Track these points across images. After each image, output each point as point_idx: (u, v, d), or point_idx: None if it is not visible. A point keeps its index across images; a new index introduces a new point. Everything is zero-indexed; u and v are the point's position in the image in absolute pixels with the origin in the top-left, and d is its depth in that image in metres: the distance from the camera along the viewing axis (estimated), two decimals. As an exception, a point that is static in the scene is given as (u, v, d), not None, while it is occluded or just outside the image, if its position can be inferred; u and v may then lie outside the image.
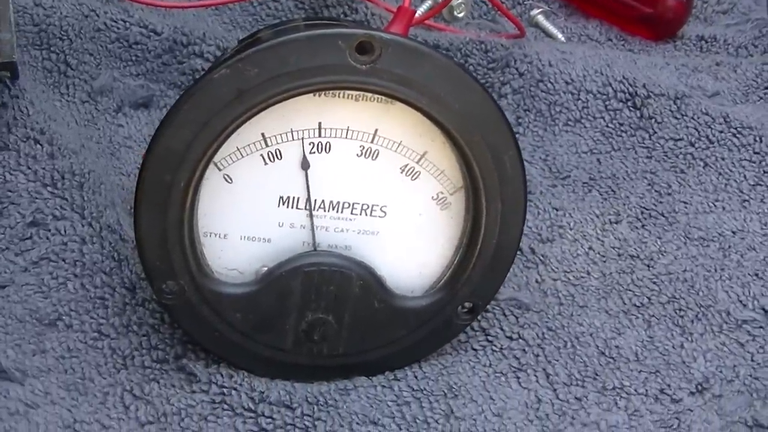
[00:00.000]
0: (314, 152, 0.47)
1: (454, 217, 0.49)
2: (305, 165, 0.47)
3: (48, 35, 0.65)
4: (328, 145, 0.47)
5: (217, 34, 0.68)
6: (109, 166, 0.60)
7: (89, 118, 0.64)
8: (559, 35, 0.78)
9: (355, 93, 0.46)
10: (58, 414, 0.45)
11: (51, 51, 0.64)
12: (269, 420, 0.46)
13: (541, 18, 0.79)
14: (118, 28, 0.66)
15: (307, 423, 0.46)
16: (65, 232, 0.53)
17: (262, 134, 0.46)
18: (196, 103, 0.44)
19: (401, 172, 0.47)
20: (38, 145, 0.56)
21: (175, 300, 0.47)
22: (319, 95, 0.46)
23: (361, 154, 0.47)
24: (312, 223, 0.48)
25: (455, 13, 0.71)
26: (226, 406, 0.47)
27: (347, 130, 0.46)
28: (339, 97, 0.46)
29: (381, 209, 0.48)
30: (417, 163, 0.47)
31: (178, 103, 0.44)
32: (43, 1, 0.65)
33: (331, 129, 0.46)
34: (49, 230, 0.53)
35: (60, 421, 0.45)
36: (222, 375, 0.48)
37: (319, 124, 0.46)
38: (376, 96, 0.46)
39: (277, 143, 0.46)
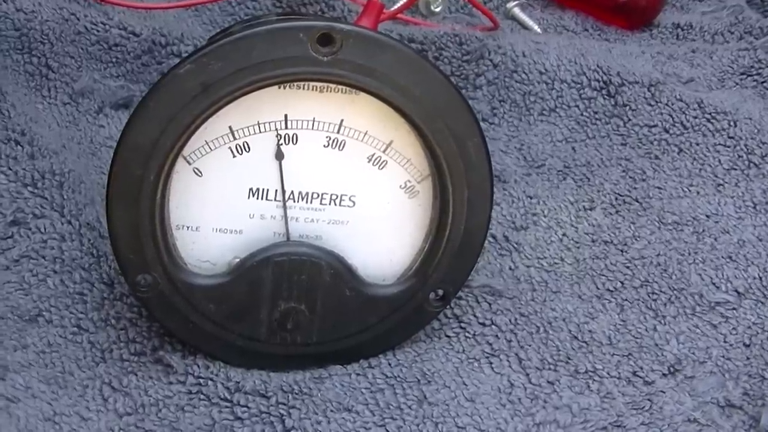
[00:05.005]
0: (282, 144, 0.47)
1: (422, 204, 0.49)
2: (279, 156, 0.48)
3: (29, 39, 0.65)
4: (295, 136, 0.47)
5: (196, 35, 0.69)
6: (89, 165, 0.61)
7: (71, 120, 0.64)
8: (535, 27, 0.79)
9: (319, 84, 0.46)
10: (39, 407, 0.46)
11: (32, 55, 0.65)
12: (245, 409, 0.47)
13: (517, 10, 0.79)
14: (98, 31, 0.67)
15: (282, 411, 0.47)
16: (45, 230, 0.54)
17: (230, 127, 0.47)
18: (162, 98, 0.45)
19: (368, 162, 0.48)
20: (19, 147, 0.57)
21: (150, 292, 0.48)
22: (284, 88, 0.46)
23: (328, 144, 0.48)
24: (285, 214, 0.49)
25: (432, 7, 0.72)
26: (202, 396, 0.48)
27: (313, 121, 0.47)
28: (303, 89, 0.47)
29: (350, 199, 0.49)
30: (383, 152, 0.48)
31: (146, 98, 0.45)
32: (24, 6, 0.66)
33: (297, 121, 0.47)
34: (30, 229, 0.54)
35: (40, 414, 0.46)
36: (198, 366, 0.49)
37: (286, 116, 0.47)
38: (340, 87, 0.47)
39: (245, 136, 0.47)
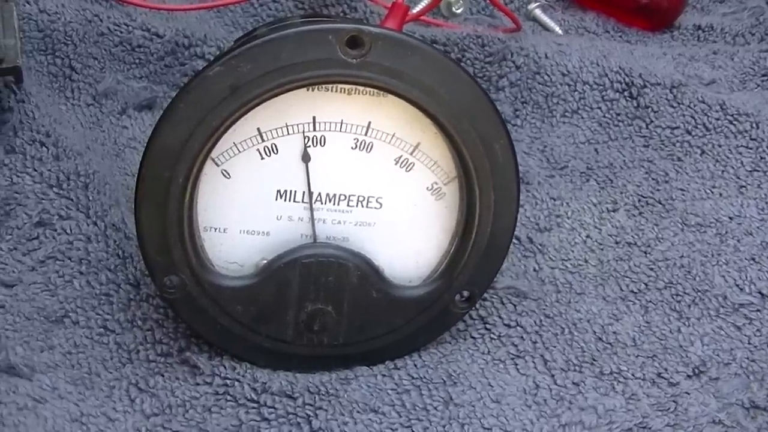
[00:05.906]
0: (309, 146, 0.47)
1: (449, 206, 0.49)
2: (306, 158, 0.48)
3: (53, 40, 0.66)
4: (323, 138, 0.47)
5: (218, 36, 0.69)
6: (113, 166, 0.61)
7: (94, 121, 0.64)
8: (557, 28, 0.78)
9: (347, 87, 0.47)
10: (66, 408, 0.46)
11: (56, 56, 0.65)
12: (271, 410, 0.47)
13: (538, 12, 0.79)
14: (121, 32, 0.67)
15: (308, 412, 0.47)
16: (71, 231, 0.54)
17: (258, 129, 0.47)
18: (191, 101, 0.45)
19: (395, 164, 0.48)
20: (44, 148, 0.58)
21: (177, 294, 0.48)
22: (313, 90, 0.46)
23: (356, 146, 0.48)
24: (312, 215, 0.49)
25: (453, 9, 0.72)
26: (229, 397, 0.48)
27: (341, 123, 0.47)
28: (332, 91, 0.47)
29: (377, 201, 0.49)
30: (410, 154, 0.48)
31: (175, 100, 0.45)
32: (47, 8, 0.66)
33: (325, 123, 0.47)
34: (55, 230, 0.54)
35: (67, 414, 0.46)
36: (225, 367, 0.49)
37: (314, 118, 0.47)
38: (368, 89, 0.47)
39: (273, 138, 0.47)
